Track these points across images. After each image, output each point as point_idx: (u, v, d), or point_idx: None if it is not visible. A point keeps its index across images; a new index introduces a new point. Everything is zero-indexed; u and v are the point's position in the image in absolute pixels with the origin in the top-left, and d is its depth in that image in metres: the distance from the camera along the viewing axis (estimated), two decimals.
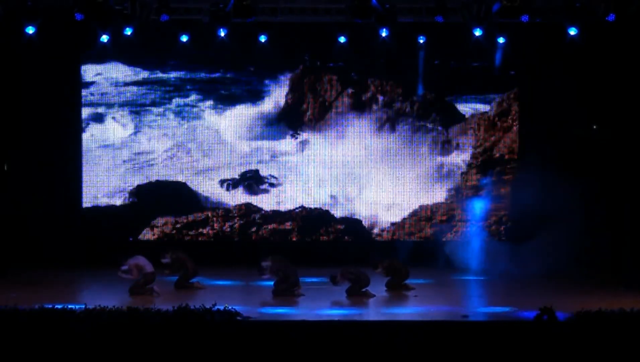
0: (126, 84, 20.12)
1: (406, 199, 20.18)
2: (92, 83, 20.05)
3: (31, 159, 19.66)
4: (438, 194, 20.20)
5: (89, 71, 20.01)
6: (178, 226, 20.04)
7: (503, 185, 19.98)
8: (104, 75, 20.05)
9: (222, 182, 20.26)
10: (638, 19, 17.18)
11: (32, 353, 12.08)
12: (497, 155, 20.15)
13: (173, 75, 20.12)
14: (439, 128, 20.23)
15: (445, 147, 20.19)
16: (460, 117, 20.15)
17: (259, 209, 20.24)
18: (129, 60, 20.02)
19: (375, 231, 20.16)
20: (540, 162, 18.29)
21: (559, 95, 19.31)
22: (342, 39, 18.56)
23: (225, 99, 20.20)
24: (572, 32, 17.14)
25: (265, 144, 20.28)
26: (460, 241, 19.50)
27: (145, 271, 15.64)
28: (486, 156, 20.14)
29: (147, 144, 20.17)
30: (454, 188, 20.16)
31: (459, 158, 20.19)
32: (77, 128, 19.99)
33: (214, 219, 20.19)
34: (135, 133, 20.20)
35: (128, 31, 17.51)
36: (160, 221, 20.09)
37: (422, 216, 20.16)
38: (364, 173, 20.24)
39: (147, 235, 20.01)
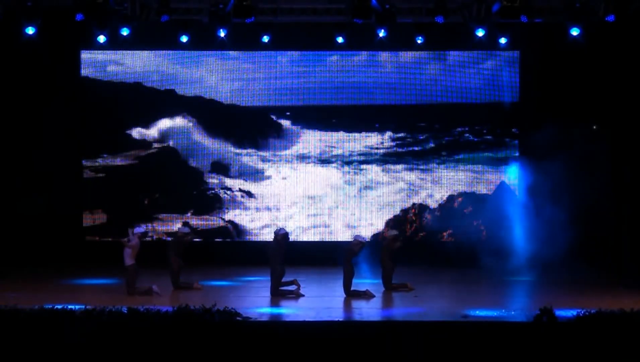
0: (126, 84, 20.14)
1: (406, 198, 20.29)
2: (92, 82, 20.06)
3: (31, 159, 19.66)
4: (439, 195, 20.31)
5: (89, 71, 20.03)
6: (178, 225, 20.10)
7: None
8: (103, 75, 20.07)
9: (221, 183, 20.29)
10: (638, 18, 17.16)
11: (32, 353, 12.09)
12: (499, 155, 20.20)
13: (172, 76, 20.15)
14: (439, 126, 20.32)
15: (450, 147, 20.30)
16: (462, 117, 20.22)
17: (257, 209, 20.27)
18: (128, 59, 20.04)
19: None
20: (540, 162, 18.32)
21: (560, 94, 19.33)
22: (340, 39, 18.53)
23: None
24: (575, 32, 17.06)
25: (267, 145, 20.35)
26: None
27: (126, 262, 15.45)
28: (487, 155, 20.20)
29: (147, 143, 20.23)
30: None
31: (462, 157, 20.28)
32: (76, 127, 19.99)
33: (213, 218, 20.21)
34: (135, 132, 20.23)
35: (125, 31, 17.48)
36: (161, 220, 20.14)
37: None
38: (367, 172, 20.27)
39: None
